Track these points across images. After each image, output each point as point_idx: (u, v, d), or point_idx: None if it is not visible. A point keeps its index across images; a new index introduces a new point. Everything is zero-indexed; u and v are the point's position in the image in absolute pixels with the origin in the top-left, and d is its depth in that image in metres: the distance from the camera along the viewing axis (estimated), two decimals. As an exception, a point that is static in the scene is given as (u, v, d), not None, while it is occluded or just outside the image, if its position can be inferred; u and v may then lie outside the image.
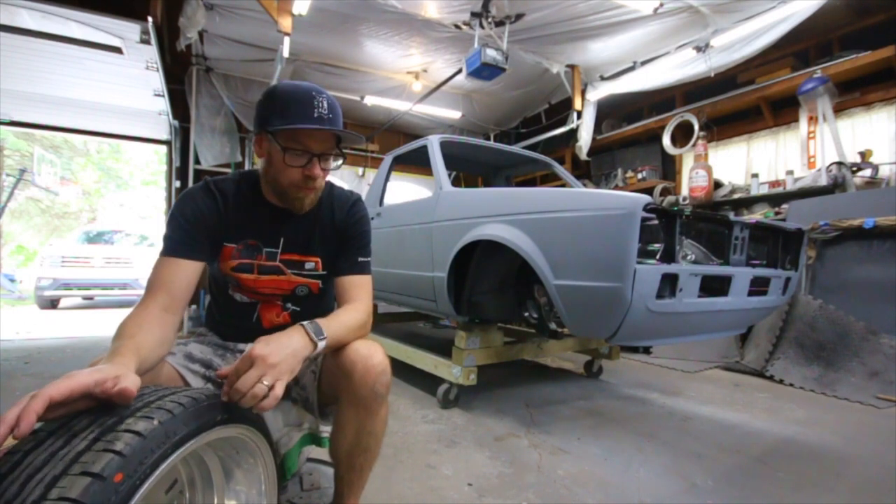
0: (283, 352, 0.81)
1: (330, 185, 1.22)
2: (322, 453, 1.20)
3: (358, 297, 1.11)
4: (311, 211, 1.15)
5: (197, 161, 4.78)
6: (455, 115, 5.53)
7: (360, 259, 1.17)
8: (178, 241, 1.00)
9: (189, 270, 0.99)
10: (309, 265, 1.16)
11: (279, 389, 0.78)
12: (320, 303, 1.22)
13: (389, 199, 3.15)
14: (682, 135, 4.59)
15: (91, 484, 0.52)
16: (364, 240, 1.19)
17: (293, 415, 1.16)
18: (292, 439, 1.12)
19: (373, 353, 0.98)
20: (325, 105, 0.99)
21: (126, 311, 0.93)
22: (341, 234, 1.17)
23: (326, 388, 1.08)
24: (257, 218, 1.11)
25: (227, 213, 1.08)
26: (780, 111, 4.06)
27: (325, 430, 1.17)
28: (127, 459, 0.55)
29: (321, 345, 0.90)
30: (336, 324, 0.97)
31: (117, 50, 3.38)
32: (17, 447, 0.58)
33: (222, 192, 1.09)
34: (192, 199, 1.05)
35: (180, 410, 0.65)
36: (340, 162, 1.09)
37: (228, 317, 1.19)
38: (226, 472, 0.89)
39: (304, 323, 0.90)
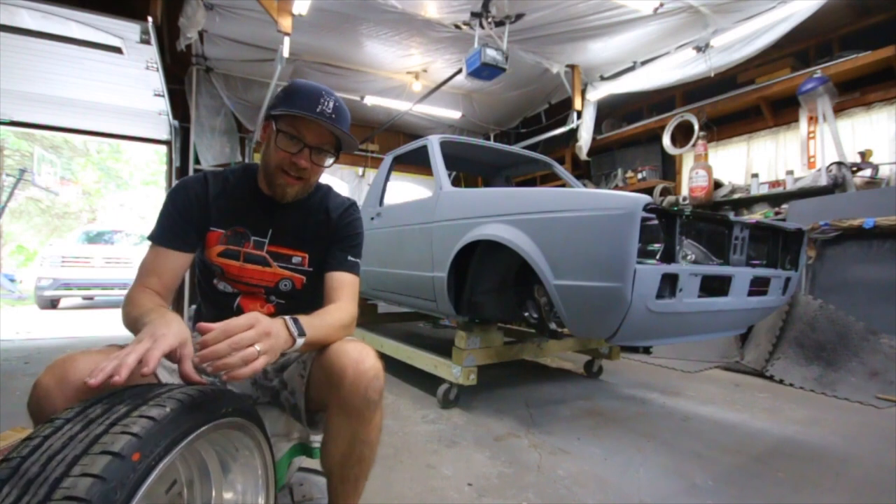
0: (275, 330, 0.80)
1: (327, 188, 1.25)
2: (314, 462, 1.15)
3: (345, 296, 1.11)
4: (305, 206, 1.17)
5: (197, 161, 4.78)
6: (455, 115, 5.53)
7: (351, 259, 1.17)
8: (168, 232, 1.05)
9: (176, 261, 1.05)
10: (296, 259, 1.16)
11: (260, 364, 0.74)
12: (304, 300, 1.18)
13: (389, 199, 3.15)
14: (682, 135, 4.59)
15: (111, 462, 0.54)
16: (356, 241, 1.21)
17: (281, 423, 1.11)
18: (281, 450, 1.07)
19: (364, 358, 0.92)
20: (331, 105, 1.03)
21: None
22: (334, 233, 1.19)
23: (315, 393, 1.02)
24: (248, 206, 1.13)
25: (217, 198, 1.11)
26: (780, 111, 4.06)
27: (316, 439, 1.12)
28: (143, 441, 0.57)
29: (299, 342, 0.86)
30: (318, 321, 0.94)
31: (117, 50, 3.38)
32: (36, 433, 0.59)
33: (216, 180, 1.13)
34: (183, 189, 1.10)
35: (189, 400, 0.68)
36: (332, 160, 1.11)
37: (212, 308, 1.18)
38: (223, 466, 0.89)
39: (286, 317, 0.87)
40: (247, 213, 1.13)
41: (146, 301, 0.94)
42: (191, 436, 0.65)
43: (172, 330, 0.76)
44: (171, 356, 0.75)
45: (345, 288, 1.12)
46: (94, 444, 0.56)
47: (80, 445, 0.56)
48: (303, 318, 0.91)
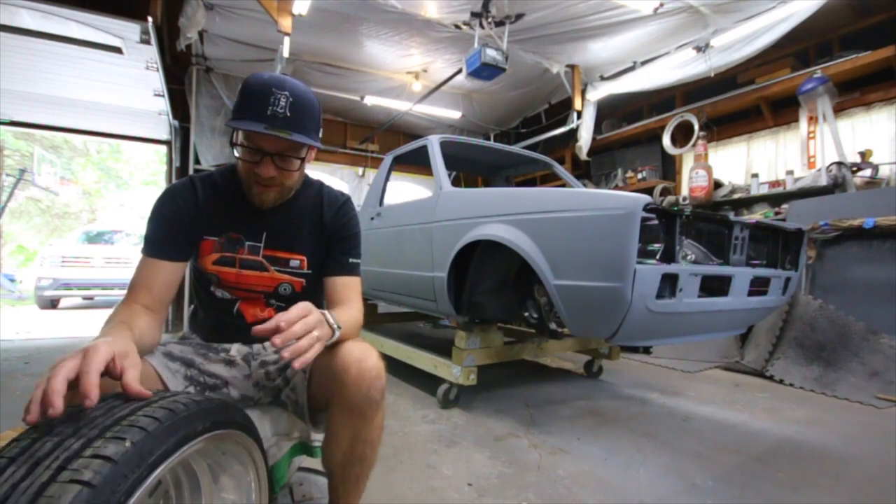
0: (322, 319, 0.87)
1: (320, 185, 1.21)
2: (314, 462, 1.16)
3: (349, 298, 1.10)
4: (297, 206, 1.13)
5: (197, 161, 4.78)
6: (455, 115, 5.53)
7: (351, 260, 1.15)
8: (158, 242, 1.01)
9: (169, 271, 1.01)
10: (294, 263, 1.12)
11: (319, 349, 0.81)
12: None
13: (389, 199, 3.15)
14: (682, 135, 4.59)
15: None
16: (354, 241, 1.17)
17: (283, 423, 1.11)
18: (281, 449, 1.07)
19: (367, 356, 0.93)
20: (283, 102, 0.91)
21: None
22: (330, 234, 1.15)
23: (317, 391, 1.02)
24: (239, 211, 1.08)
25: (207, 205, 1.06)
26: (780, 111, 4.06)
27: (317, 438, 1.12)
28: (97, 491, 0.49)
29: (337, 334, 0.91)
30: (343, 318, 0.96)
31: (117, 50, 3.38)
32: None
33: (205, 185, 1.08)
34: (171, 197, 1.04)
35: (155, 426, 0.58)
36: (300, 163, 1.02)
37: (210, 312, 1.16)
38: (214, 477, 0.85)
39: (325, 311, 0.91)
40: (239, 218, 1.08)
41: (115, 317, 0.89)
42: (158, 469, 0.57)
43: (109, 340, 0.69)
44: (111, 371, 0.66)
45: (348, 291, 1.11)
46: (38, 497, 0.48)
47: (22, 500, 0.47)
48: (331, 313, 0.94)
